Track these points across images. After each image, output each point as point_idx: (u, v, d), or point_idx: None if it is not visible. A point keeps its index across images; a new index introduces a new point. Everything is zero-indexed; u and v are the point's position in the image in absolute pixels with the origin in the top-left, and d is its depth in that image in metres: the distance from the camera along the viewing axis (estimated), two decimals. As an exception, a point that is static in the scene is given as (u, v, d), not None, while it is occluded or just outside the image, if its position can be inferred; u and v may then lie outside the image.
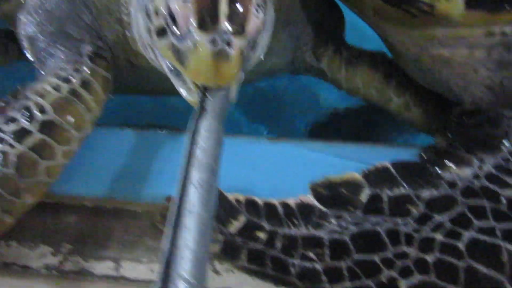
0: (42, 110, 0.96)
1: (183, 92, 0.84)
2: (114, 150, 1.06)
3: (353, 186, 0.93)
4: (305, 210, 0.93)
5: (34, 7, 1.15)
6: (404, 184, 0.91)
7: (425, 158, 0.95)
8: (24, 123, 0.95)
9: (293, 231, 0.91)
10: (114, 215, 1.02)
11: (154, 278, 0.92)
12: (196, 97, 0.81)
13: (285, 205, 0.93)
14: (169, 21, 0.80)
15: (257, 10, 0.79)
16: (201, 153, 0.68)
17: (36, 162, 0.94)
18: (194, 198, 0.63)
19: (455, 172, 0.91)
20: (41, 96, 0.98)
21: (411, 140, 1.28)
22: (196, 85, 0.80)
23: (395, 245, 0.86)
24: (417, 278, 0.83)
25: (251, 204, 0.94)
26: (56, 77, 1.02)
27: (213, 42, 0.75)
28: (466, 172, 0.91)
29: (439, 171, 0.92)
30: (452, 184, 0.90)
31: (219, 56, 0.75)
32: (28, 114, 0.96)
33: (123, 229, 1.00)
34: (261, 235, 0.91)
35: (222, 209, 0.93)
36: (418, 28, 1.01)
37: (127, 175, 1.04)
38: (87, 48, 1.08)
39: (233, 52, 0.76)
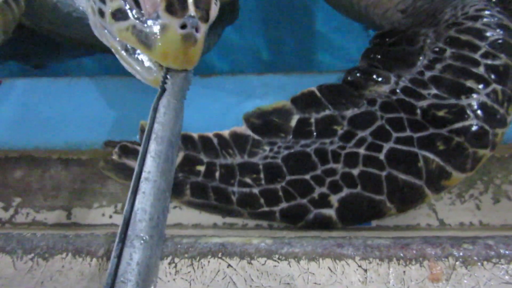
0: None
1: (140, 71, 0.87)
2: (54, 100, 1.07)
3: (283, 113, 0.98)
4: (239, 140, 0.97)
5: None
6: (329, 106, 0.96)
7: (349, 79, 0.99)
8: None
9: (230, 160, 0.95)
10: (60, 165, 1.05)
11: (105, 222, 0.98)
12: (155, 77, 0.85)
13: (220, 137, 0.98)
14: (131, 3, 0.82)
15: None
16: (159, 127, 0.76)
17: None
18: (151, 167, 0.72)
19: (374, 89, 0.96)
20: None
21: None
22: (160, 66, 0.84)
23: (324, 163, 0.92)
24: (345, 191, 0.90)
25: (187, 139, 0.97)
26: None
27: (183, 26, 0.79)
28: (384, 89, 0.95)
29: (361, 91, 0.96)
30: (372, 101, 0.95)
31: (188, 39, 0.79)
32: None
33: (70, 178, 1.04)
34: (201, 168, 0.95)
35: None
36: None
37: (69, 124, 1.06)
38: None
39: (199, 36, 0.80)
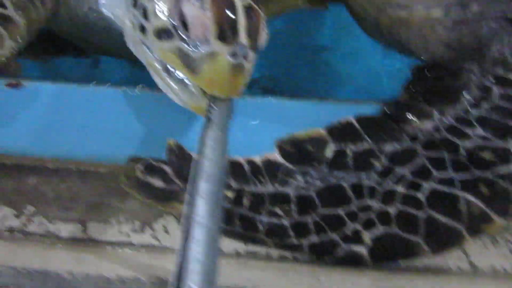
0: (2, 5, 0.99)
1: (182, 95, 0.85)
2: (76, 109, 1.03)
3: (318, 142, 0.94)
4: (271, 168, 0.93)
5: None
6: (368, 139, 0.93)
7: (388, 112, 0.97)
8: None
9: (260, 188, 0.92)
10: (78, 176, 1.00)
11: (122, 239, 0.94)
12: (196, 102, 0.83)
13: (251, 163, 0.94)
14: (179, 25, 0.79)
15: (265, 26, 0.82)
16: (208, 164, 0.72)
17: None
18: (203, 210, 0.67)
19: (417, 125, 0.93)
20: None
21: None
22: (202, 92, 0.82)
23: (359, 199, 0.89)
24: (380, 229, 0.86)
25: (217, 163, 0.93)
26: None
27: (234, 54, 0.76)
28: (427, 125, 0.93)
29: (401, 125, 0.93)
30: (413, 137, 0.92)
31: (237, 68, 0.77)
32: None
33: (88, 190, 0.99)
34: (229, 193, 0.91)
35: (189, 169, 0.93)
36: None
37: (91, 135, 1.02)
38: None
39: (248, 65, 0.78)
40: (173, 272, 0.64)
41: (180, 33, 0.80)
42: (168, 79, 0.85)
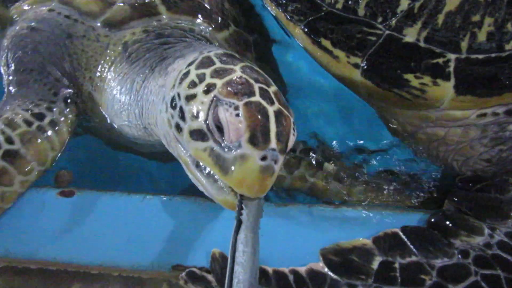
0: (9, 141, 1.04)
1: (211, 190, 0.86)
2: (117, 217, 1.04)
3: (364, 253, 0.92)
4: (316, 278, 0.91)
5: (21, 35, 1.19)
6: (416, 252, 0.91)
7: (435, 224, 0.95)
8: None
9: (305, 301, 0.89)
10: (120, 282, 0.99)
11: None
12: (225, 197, 0.85)
13: (296, 273, 0.92)
14: (213, 128, 0.82)
15: (294, 129, 0.85)
16: (239, 269, 0.73)
17: None
18: None
19: (467, 240, 0.91)
20: (11, 127, 1.05)
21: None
22: (231, 189, 0.84)
23: (411, 316, 0.84)
24: None
25: (261, 273, 0.91)
26: (29, 111, 1.09)
27: (264, 158, 0.79)
28: (478, 241, 0.90)
29: (450, 239, 0.91)
30: (464, 253, 0.89)
31: (266, 171, 0.79)
32: None
33: (128, 297, 0.98)
34: (273, 305, 0.89)
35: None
36: (411, 109, 1.04)
37: (132, 242, 1.01)
38: (64, 91, 1.16)
39: (277, 168, 0.81)
40: None
41: (215, 136, 0.83)
42: (198, 173, 0.87)
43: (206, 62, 0.89)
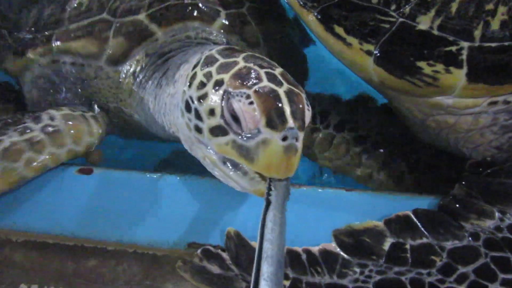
0: (52, 118, 1.11)
1: (242, 182, 0.89)
2: (134, 195, 1.07)
3: (376, 234, 0.94)
4: (328, 258, 0.93)
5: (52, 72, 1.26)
6: (427, 234, 0.92)
7: (445, 207, 0.97)
8: (31, 124, 1.09)
9: (317, 279, 0.91)
10: (135, 259, 1.02)
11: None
12: (258, 187, 0.88)
13: (309, 253, 0.94)
14: (230, 121, 0.85)
15: (307, 104, 0.87)
16: (268, 246, 0.74)
17: (22, 151, 1.04)
18: None
19: (477, 223, 0.92)
20: (57, 110, 1.14)
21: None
22: (261, 176, 0.87)
23: (420, 296, 0.86)
24: (443, 329, 0.84)
25: (275, 252, 0.94)
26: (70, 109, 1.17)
27: (285, 138, 0.81)
28: (488, 224, 0.92)
29: (461, 222, 0.93)
30: (474, 235, 0.91)
31: (290, 150, 0.82)
32: (38, 119, 1.11)
33: (144, 274, 1.00)
34: (285, 282, 0.91)
35: (246, 257, 0.94)
36: (422, 96, 1.05)
37: (148, 220, 1.04)
38: (95, 104, 1.26)
39: (299, 145, 0.83)
40: None
41: (233, 128, 0.86)
42: (227, 170, 0.90)
43: (210, 61, 0.93)
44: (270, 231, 0.76)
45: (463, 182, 1.01)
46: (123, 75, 1.20)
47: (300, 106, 0.84)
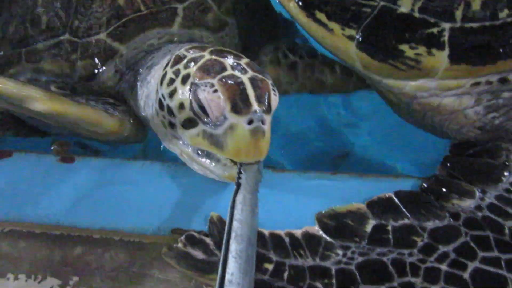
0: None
1: (215, 170, 0.94)
2: (119, 182, 1.08)
3: (358, 217, 0.95)
4: (311, 241, 0.94)
5: None
6: (408, 215, 0.93)
7: (427, 188, 0.97)
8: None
9: (300, 262, 0.92)
10: (121, 247, 1.03)
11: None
12: (229, 173, 0.92)
13: (292, 236, 0.95)
14: (198, 112, 0.89)
15: (273, 89, 0.90)
16: (238, 225, 0.78)
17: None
18: (234, 268, 0.73)
19: (458, 203, 0.93)
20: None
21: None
22: (233, 162, 0.91)
23: (401, 276, 0.87)
24: (424, 308, 0.85)
25: (258, 236, 0.94)
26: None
27: (250, 122, 0.84)
28: (469, 203, 0.93)
29: (442, 203, 0.94)
30: (455, 215, 0.92)
31: (257, 133, 0.85)
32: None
33: (130, 261, 1.01)
34: (268, 266, 0.92)
35: (229, 240, 0.95)
36: (406, 80, 1.06)
37: (132, 206, 1.05)
38: None
39: (266, 127, 0.86)
40: None
41: (202, 118, 0.89)
42: (201, 160, 0.95)
43: (178, 59, 0.97)
44: (240, 211, 0.79)
45: (446, 163, 1.01)
46: (99, 87, 1.23)
47: (265, 90, 0.87)
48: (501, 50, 0.98)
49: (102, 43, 1.19)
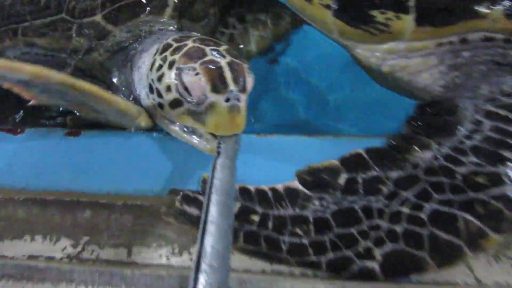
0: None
1: (199, 144, 1.08)
2: (122, 152, 1.21)
3: (332, 171, 1.07)
4: (292, 194, 1.06)
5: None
6: (376, 168, 1.05)
7: (393, 144, 1.09)
8: None
9: (282, 212, 1.04)
10: (125, 209, 1.15)
11: (162, 262, 1.06)
12: (212, 146, 1.05)
13: (274, 190, 1.07)
14: (183, 92, 1.02)
15: (249, 72, 1.02)
16: (217, 182, 0.90)
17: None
18: (214, 212, 0.85)
19: (418, 155, 1.04)
20: None
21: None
22: (214, 136, 1.04)
23: (369, 219, 0.99)
24: (389, 246, 0.97)
25: (244, 191, 1.07)
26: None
27: (228, 100, 0.97)
28: (427, 155, 1.04)
29: (405, 155, 1.05)
30: (415, 166, 1.03)
31: (233, 109, 0.98)
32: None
33: (134, 221, 1.13)
34: (255, 217, 1.04)
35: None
36: (377, 43, 1.17)
37: (134, 172, 1.18)
38: None
39: (241, 105, 0.99)
40: (194, 257, 0.79)
41: (187, 98, 1.02)
42: (187, 136, 1.09)
43: (166, 47, 1.10)
44: (219, 172, 0.92)
45: (410, 122, 1.12)
46: (88, 61, 1.34)
47: (241, 72, 1.00)
48: (461, 13, 1.09)
49: (96, 23, 1.30)
